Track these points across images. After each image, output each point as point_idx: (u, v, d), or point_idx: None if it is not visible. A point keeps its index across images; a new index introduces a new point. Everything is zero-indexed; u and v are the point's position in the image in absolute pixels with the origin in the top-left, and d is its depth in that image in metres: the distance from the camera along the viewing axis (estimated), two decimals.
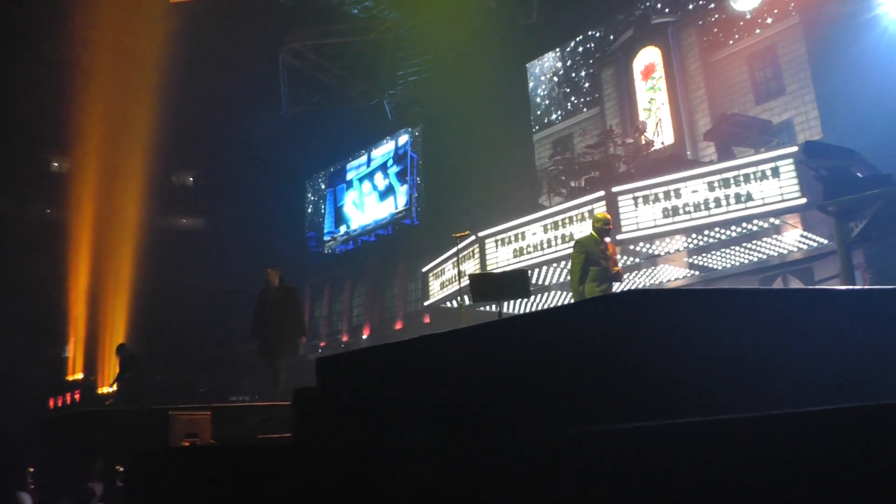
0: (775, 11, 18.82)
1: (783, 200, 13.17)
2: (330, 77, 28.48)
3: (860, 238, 7.61)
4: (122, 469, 9.26)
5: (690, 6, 20.86)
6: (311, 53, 27.55)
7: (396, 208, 30.69)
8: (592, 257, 10.58)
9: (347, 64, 27.64)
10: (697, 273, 17.55)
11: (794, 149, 13.25)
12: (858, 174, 8.06)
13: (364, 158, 33.47)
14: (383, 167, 31.86)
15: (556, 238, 15.72)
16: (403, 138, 30.87)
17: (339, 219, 34.42)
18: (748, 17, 19.45)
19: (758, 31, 19.17)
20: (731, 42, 19.78)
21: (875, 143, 11.50)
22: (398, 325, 29.33)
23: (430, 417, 3.91)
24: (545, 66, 25.03)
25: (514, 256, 16.48)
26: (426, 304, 21.09)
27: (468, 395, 3.77)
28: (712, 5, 20.33)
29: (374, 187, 32.28)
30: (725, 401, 2.93)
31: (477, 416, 3.67)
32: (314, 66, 27.87)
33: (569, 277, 17.16)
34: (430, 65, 26.60)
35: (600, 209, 14.47)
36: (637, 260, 16.31)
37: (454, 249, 14.88)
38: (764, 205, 13.36)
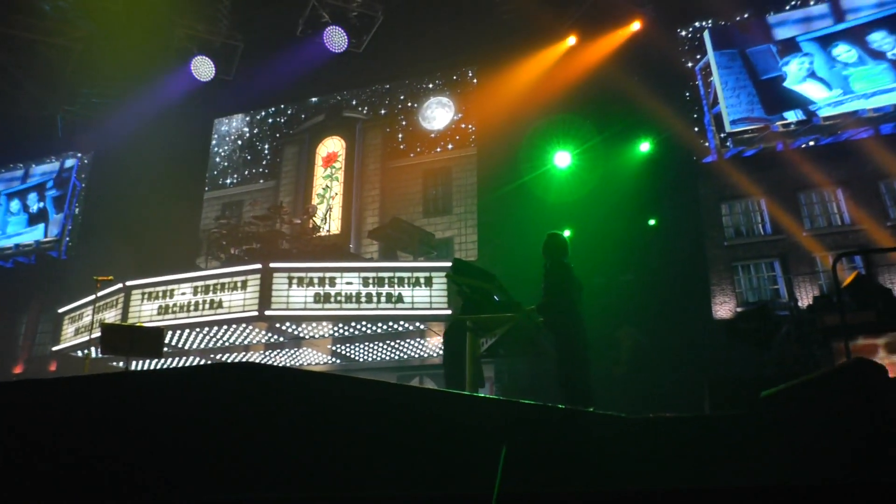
0: (457, 138, 20.35)
1: (431, 308, 13.94)
2: None
3: (488, 353, 8.07)
4: None
5: (383, 111, 21.83)
6: None
7: (45, 237, 27.05)
8: None
9: (23, 63, 24.61)
10: (339, 361, 17.72)
11: (449, 264, 14.09)
12: (496, 297, 8.62)
13: (20, 172, 29.37)
14: (41, 188, 28.20)
15: (204, 302, 15.03)
16: (70, 162, 27.82)
17: None
18: (433, 136, 20.76)
19: (438, 149, 20.51)
20: (412, 154, 20.93)
21: (514, 274, 12.55)
22: (18, 369, 25.56)
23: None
24: (232, 127, 24.61)
25: (159, 313, 15.44)
26: (55, 349, 18.86)
27: (64, 452, 3.23)
28: (402, 117, 21.45)
29: (25, 207, 28.41)
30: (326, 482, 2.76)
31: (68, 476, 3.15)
32: None
33: (214, 343, 16.59)
34: (118, 91, 24.66)
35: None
36: (281, 339, 16.10)
37: (96, 294, 13.69)
38: (412, 308, 14.01)
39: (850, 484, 2.47)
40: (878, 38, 17.29)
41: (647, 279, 15.54)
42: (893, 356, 8.39)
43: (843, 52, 17.50)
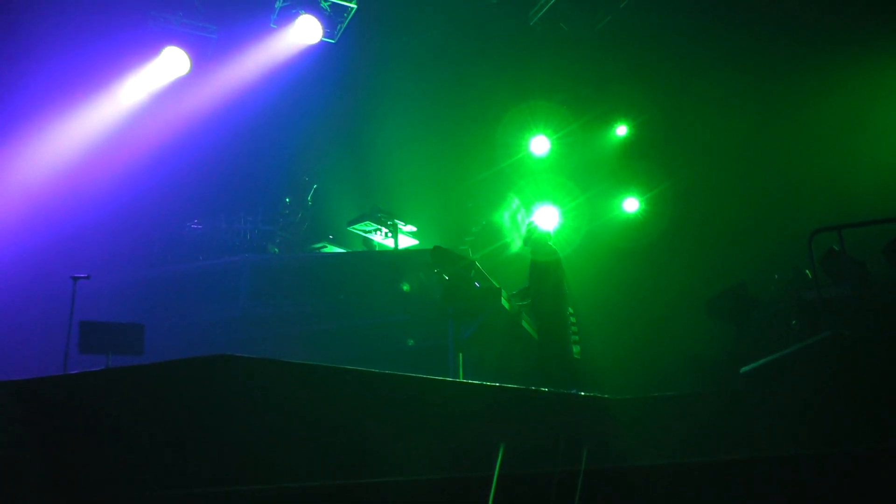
0: None
1: None
2: None
3: (471, 340, 8.09)
4: None
5: None
6: None
7: None
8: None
9: None
10: None
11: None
12: (476, 283, 8.65)
13: None
14: None
15: None
16: None
17: None
18: None
19: None
20: None
21: (493, 260, 12.51)
22: None
23: None
24: None
25: None
26: None
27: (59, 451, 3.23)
28: None
29: None
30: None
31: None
32: None
33: None
34: None
35: None
36: None
37: None
38: None
39: (830, 453, 2.56)
40: None
41: (622, 260, 15.35)
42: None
43: None
